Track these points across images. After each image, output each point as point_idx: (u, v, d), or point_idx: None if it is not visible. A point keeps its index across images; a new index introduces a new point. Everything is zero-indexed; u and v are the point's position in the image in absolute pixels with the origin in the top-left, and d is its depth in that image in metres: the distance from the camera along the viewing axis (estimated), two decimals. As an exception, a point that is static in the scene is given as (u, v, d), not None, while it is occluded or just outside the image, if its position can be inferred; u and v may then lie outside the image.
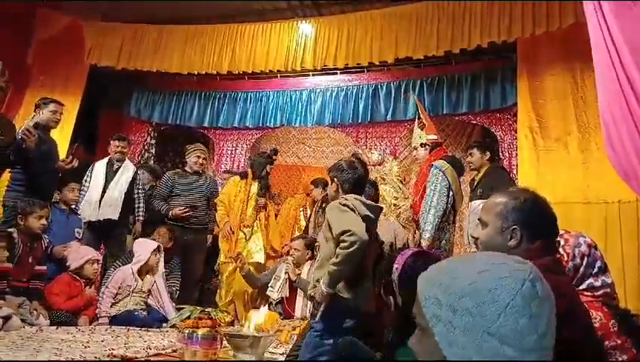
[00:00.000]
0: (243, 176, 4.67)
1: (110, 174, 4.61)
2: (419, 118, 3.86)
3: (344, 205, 2.10)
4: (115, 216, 4.43)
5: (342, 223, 2.03)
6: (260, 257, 4.47)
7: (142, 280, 3.97)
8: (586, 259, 1.63)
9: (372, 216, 2.13)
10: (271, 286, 4.00)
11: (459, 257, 0.84)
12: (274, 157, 4.71)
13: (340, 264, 1.97)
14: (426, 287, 0.78)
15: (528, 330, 0.67)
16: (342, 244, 1.97)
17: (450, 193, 3.32)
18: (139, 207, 4.63)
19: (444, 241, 3.28)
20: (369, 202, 2.21)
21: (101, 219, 4.42)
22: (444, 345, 0.71)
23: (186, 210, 4.56)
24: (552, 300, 0.73)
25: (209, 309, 3.25)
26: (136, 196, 4.64)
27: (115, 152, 4.69)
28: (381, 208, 2.32)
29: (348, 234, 1.96)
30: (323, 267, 2.11)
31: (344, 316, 2.04)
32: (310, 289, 2.19)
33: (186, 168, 4.82)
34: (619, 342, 1.47)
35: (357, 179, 2.28)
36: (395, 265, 1.79)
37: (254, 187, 4.58)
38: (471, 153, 4.25)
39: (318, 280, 2.11)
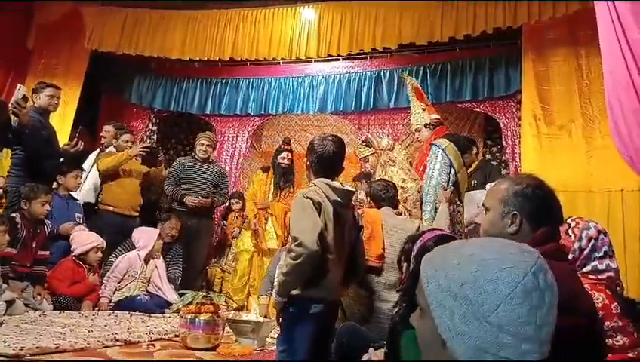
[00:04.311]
0: (265, 170, 4.94)
1: None
2: (417, 99, 3.79)
3: (307, 197, 1.93)
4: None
5: (296, 225, 1.89)
6: (273, 244, 4.66)
7: (146, 266, 4.01)
8: (592, 241, 1.64)
9: (341, 200, 1.99)
10: None
11: (464, 242, 0.84)
12: (283, 146, 4.84)
13: (287, 274, 1.87)
14: (429, 270, 0.78)
15: (527, 320, 0.69)
16: (290, 254, 1.85)
17: (452, 170, 3.25)
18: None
19: (457, 224, 3.22)
20: (339, 185, 2.04)
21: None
22: (442, 329, 0.72)
23: (201, 200, 4.55)
24: (554, 291, 0.73)
25: (211, 295, 3.27)
26: None
27: None
28: (353, 192, 2.13)
29: (296, 243, 1.82)
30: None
31: (305, 318, 1.91)
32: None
33: (194, 155, 4.85)
34: (620, 323, 1.47)
35: (326, 159, 2.05)
36: (421, 238, 1.79)
37: (273, 179, 4.85)
38: None
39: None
